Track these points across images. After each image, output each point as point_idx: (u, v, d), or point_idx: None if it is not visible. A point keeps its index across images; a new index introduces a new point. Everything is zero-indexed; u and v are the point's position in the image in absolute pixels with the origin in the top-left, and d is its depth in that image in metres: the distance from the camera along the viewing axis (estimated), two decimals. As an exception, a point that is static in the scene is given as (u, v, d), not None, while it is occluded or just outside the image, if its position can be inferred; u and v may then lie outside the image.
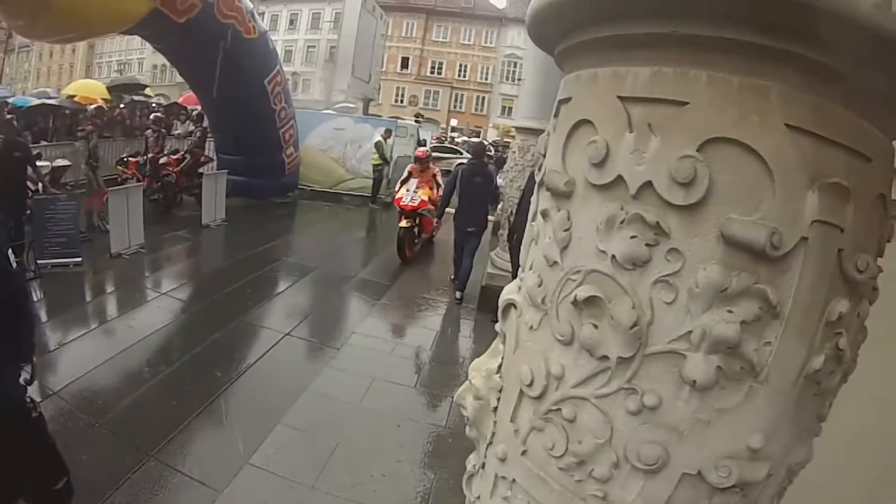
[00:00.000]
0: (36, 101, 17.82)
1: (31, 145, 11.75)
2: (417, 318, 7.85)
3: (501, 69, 53.76)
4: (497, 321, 4.63)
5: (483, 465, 1.56)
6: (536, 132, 7.53)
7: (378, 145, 15.72)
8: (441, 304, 8.38)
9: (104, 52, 63.52)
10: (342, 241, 12.12)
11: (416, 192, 10.41)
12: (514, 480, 1.35)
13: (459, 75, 55.24)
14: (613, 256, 1.06)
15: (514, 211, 7.07)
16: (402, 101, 53.64)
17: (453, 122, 50.26)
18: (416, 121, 23.42)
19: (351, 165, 16.46)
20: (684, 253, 1.00)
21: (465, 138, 31.60)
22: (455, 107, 55.00)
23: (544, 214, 1.26)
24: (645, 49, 1.04)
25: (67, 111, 17.90)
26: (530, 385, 1.26)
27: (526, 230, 1.43)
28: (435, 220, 10.11)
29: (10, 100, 18.11)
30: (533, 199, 1.40)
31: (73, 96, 20.06)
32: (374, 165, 15.89)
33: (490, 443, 1.49)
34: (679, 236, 1.00)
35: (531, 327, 1.28)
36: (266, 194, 14.44)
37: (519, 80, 35.16)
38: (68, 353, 6.45)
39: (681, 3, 0.97)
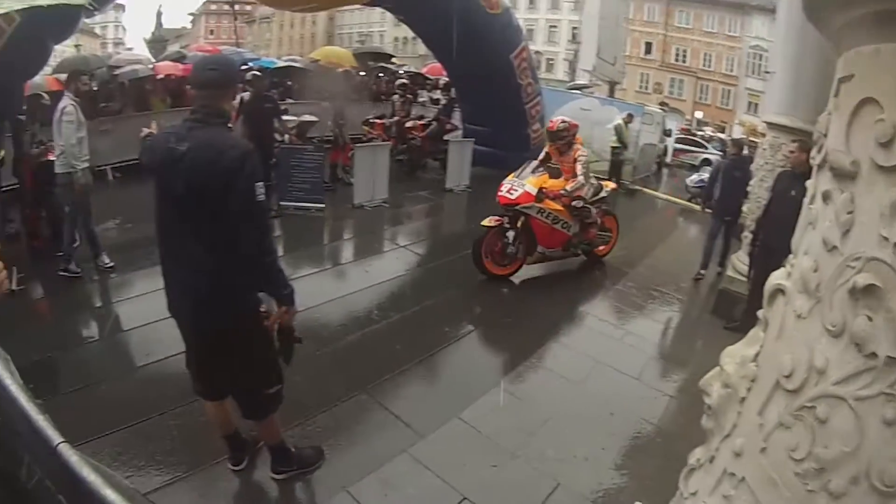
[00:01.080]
0: (282, 63, 19.39)
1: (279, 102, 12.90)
2: (650, 309, 7.53)
3: (746, 61, 49.80)
4: (730, 328, 5.22)
5: (711, 459, 1.52)
6: (788, 130, 6.89)
7: (618, 128, 15.32)
8: (677, 299, 8.00)
9: (345, 24, 68.32)
10: None
11: (524, 180, 7.70)
12: (742, 479, 1.32)
13: (704, 64, 52.13)
14: None
15: (762, 213, 6.55)
16: (646, 88, 51.82)
17: (698, 115, 47.74)
18: (661, 108, 22.57)
19: (597, 147, 15.82)
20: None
21: (712, 133, 29.96)
22: (700, 98, 52.13)
23: (825, 196, 1.21)
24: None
25: (313, 74, 19.39)
26: (789, 377, 1.22)
27: (802, 214, 1.40)
28: (595, 229, 8.27)
29: (256, 62, 19.66)
30: (811, 182, 1.35)
31: (317, 60, 21.70)
32: (613, 148, 15.44)
33: (728, 435, 1.45)
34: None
35: (799, 315, 1.24)
36: (510, 166, 14.17)
37: (766, 73, 32.62)
38: (301, 285, 6.96)
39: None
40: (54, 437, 2.03)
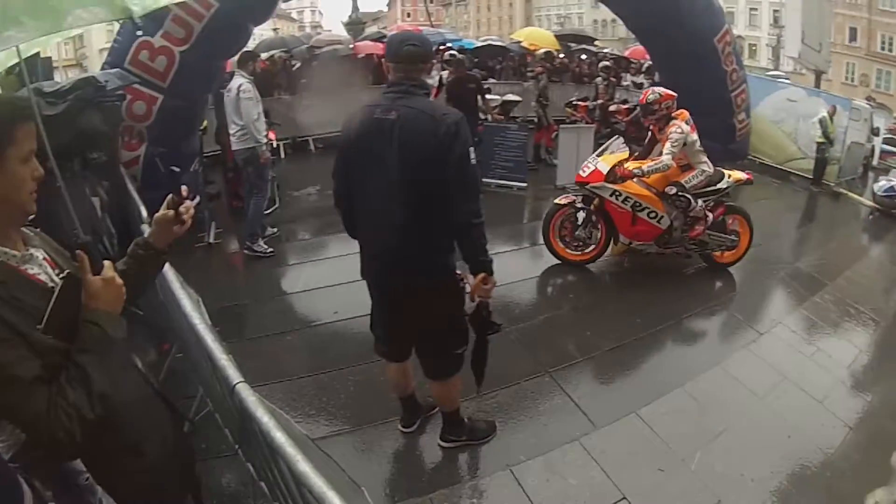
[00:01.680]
0: (480, 43, 19.22)
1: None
2: (845, 328, 6.60)
3: None
4: None
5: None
6: None
7: (823, 122, 13.36)
8: (874, 322, 6.84)
9: (542, 6, 66.94)
10: (784, 224, 10.53)
11: (601, 156, 6.77)
12: None
13: (914, 54, 44.34)
14: None
15: None
16: (852, 80, 45.72)
17: (907, 112, 41.71)
18: (868, 104, 19.95)
19: (803, 143, 14.18)
20: None
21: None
22: (908, 92, 44.90)
23: None
24: None
25: (514, 54, 19.20)
26: None
27: None
28: (702, 226, 6.67)
29: (456, 42, 19.67)
30: None
31: (519, 42, 21.39)
32: (818, 144, 13.46)
33: None
34: None
35: None
36: (714, 158, 12.88)
37: None
38: (498, 261, 6.89)
39: None
40: (234, 376, 2.21)
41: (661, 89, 7.03)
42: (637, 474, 3.80)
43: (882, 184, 12.08)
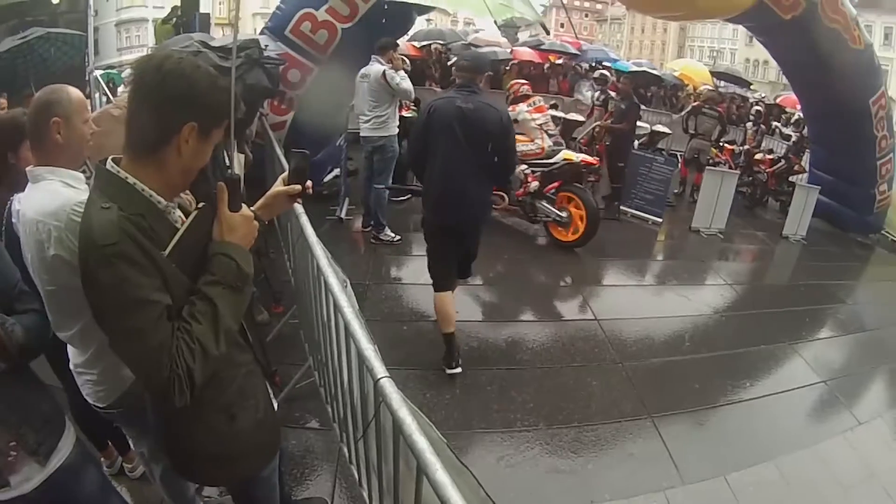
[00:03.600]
0: (637, 68, 18.67)
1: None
2: None
3: None
4: None
5: None
6: None
7: None
8: None
9: (696, 36, 64.78)
10: None
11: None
12: None
13: None
14: None
15: None
16: None
17: None
18: None
19: None
20: None
21: None
22: None
23: None
24: None
25: (666, 84, 18.85)
26: None
27: None
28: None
29: (615, 63, 19.40)
30: None
31: (675, 71, 20.94)
32: None
33: None
34: None
35: None
36: (848, 227, 12.56)
37: None
38: (622, 293, 7.28)
39: None
40: (380, 370, 2.13)
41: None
42: None
43: None
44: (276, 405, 2.36)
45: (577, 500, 3.83)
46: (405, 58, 9.17)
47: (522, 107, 8.02)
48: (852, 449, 5.36)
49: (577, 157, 7.94)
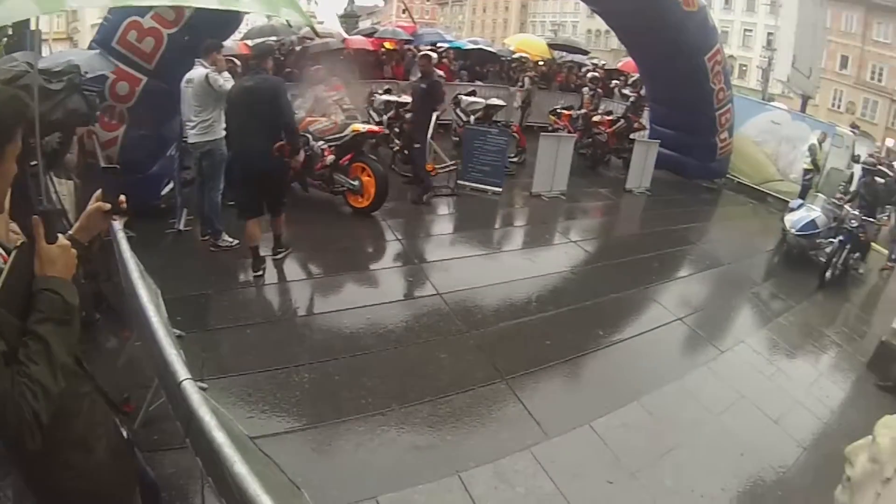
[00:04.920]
0: (473, 46, 19.27)
1: (466, 83, 13.32)
2: (808, 349, 6.81)
3: None
4: (883, 387, 4.60)
5: None
6: None
7: (812, 148, 13.52)
8: (837, 344, 7.07)
9: (538, 12, 67.29)
10: (758, 244, 10.55)
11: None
12: None
13: (903, 86, 45.14)
14: None
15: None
16: (839, 107, 46.49)
17: (889, 143, 42.13)
18: (852, 131, 20.25)
19: (782, 165, 14.57)
20: None
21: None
22: (893, 124, 45.68)
23: None
24: None
25: (504, 59, 19.29)
26: None
27: None
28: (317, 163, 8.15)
29: (452, 43, 19.76)
30: None
31: (511, 46, 21.54)
32: (806, 170, 13.63)
33: None
34: None
35: None
36: (692, 174, 13.64)
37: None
38: (464, 264, 7.14)
39: None
40: (181, 372, 2.21)
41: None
42: (586, 486, 3.83)
43: (797, 217, 9.89)
44: (125, 433, 2.29)
45: (442, 473, 3.74)
46: (234, 58, 8.74)
47: (319, 87, 8.81)
48: (717, 377, 5.61)
49: (363, 127, 8.32)
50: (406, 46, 17.27)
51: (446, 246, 7.87)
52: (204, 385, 4.04)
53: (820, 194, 10.73)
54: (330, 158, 8.10)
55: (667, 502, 3.85)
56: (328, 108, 8.46)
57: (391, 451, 3.89)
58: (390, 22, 36.06)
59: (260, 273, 6.11)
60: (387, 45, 17.12)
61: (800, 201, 10.63)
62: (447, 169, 9.81)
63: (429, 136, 9.09)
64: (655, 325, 6.35)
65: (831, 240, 9.09)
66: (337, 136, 8.14)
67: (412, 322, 5.61)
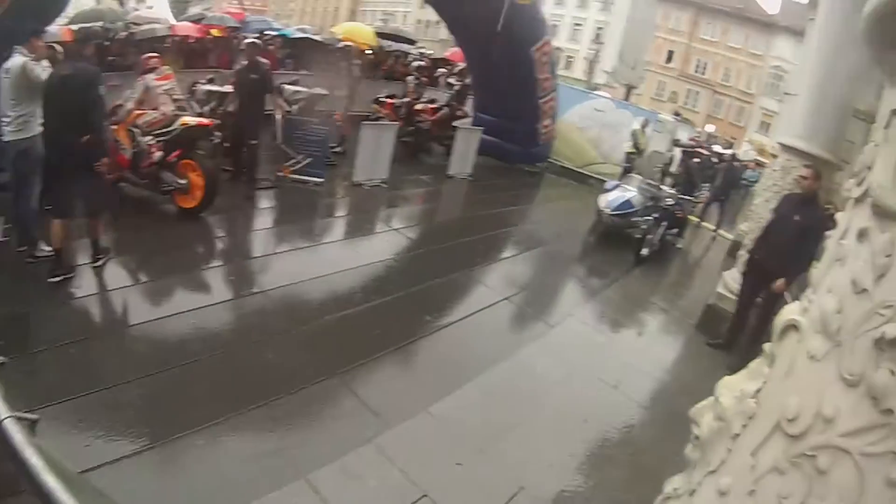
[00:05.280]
0: (300, 35, 19.21)
1: (291, 72, 13.17)
2: (636, 317, 7.49)
3: (765, 81, 49.70)
4: (713, 345, 5.37)
5: (692, 493, 1.47)
6: (803, 154, 6.79)
7: (634, 133, 15.17)
8: (665, 310, 7.88)
9: (369, 1, 68.30)
10: (579, 223, 11.16)
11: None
12: None
13: (723, 79, 52.01)
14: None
15: (760, 234, 6.44)
16: (662, 96, 51.69)
17: (710, 128, 47.22)
18: (674, 118, 22.46)
19: (604, 149, 15.88)
20: None
21: (720, 148, 29.83)
22: (714, 112, 52.01)
23: (861, 234, 1.15)
24: None
25: (331, 48, 19.31)
26: (792, 420, 1.20)
27: (828, 248, 1.36)
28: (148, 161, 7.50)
29: (280, 31, 19.51)
30: (844, 215, 1.32)
31: (337, 36, 21.56)
32: (628, 153, 15.23)
33: (713, 471, 1.39)
34: None
35: (812, 357, 1.19)
36: (515, 160, 14.52)
37: (785, 94, 32.48)
38: (287, 259, 7.05)
39: None
40: (2, 411, 2.11)
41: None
42: (435, 470, 3.91)
43: (613, 197, 10.40)
44: None
45: (289, 478, 3.70)
46: (56, 44, 7.98)
47: (149, 76, 7.91)
48: (551, 351, 5.96)
49: (193, 120, 7.75)
50: (233, 34, 16.91)
51: (268, 241, 7.71)
52: (34, 416, 3.75)
53: (636, 175, 11.55)
54: (158, 155, 7.50)
55: (517, 474, 4.02)
56: (158, 100, 7.83)
57: (233, 462, 3.77)
58: (220, 8, 35.09)
59: (57, 279, 5.60)
60: (214, 32, 16.69)
61: (615, 182, 11.34)
62: (299, 167, 9.59)
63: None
64: (483, 305, 6.62)
65: (647, 217, 9.64)
66: (165, 129, 7.62)
67: (238, 323, 5.47)
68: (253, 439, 3.99)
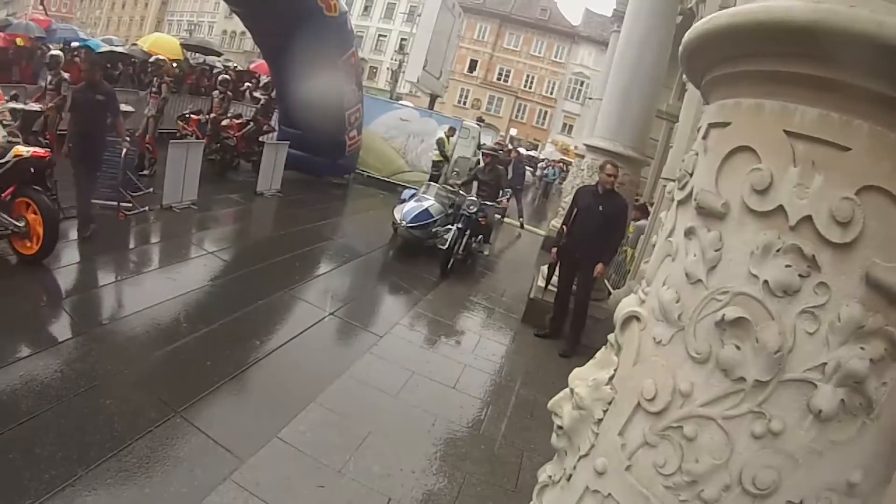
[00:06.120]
0: (106, 48, 18.18)
1: None
2: (462, 319, 7.89)
3: (567, 86, 54.02)
4: (541, 335, 6.38)
5: (569, 477, 1.58)
6: (609, 154, 7.60)
7: (440, 142, 15.87)
8: (489, 309, 8.41)
9: (176, 11, 66.53)
10: (390, 232, 11.09)
11: None
12: (609, 495, 1.39)
13: (525, 86, 55.60)
14: (766, 282, 1.14)
15: (568, 225, 7.05)
16: (465, 103, 53.97)
17: (513, 132, 49.93)
18: (478, 123, 23.56)
19: (411, 158, 16.57)
20: (831, 288, 1.10)
21: (524, 150, 31.65)
22: (517, 116, 55.15)
23: (689, 232, 1.32)
24: (812, 90, 1.13)
25: (136, 60, 18.36)
26: (651, 400, 1.32)
27: (657, 246, 1.50)
28: None
29: (85, 42, 18.59)
30: (668, 214, 1.48)
31: (141, 47, 20.54)
32: (435, 162, 15.92)
33: (585, 454, 1.51)
34: (829, 272, 1.10)
35: (659, 342, 1.34)
36: (323, 172, 14.71)
37: (589, 98, 35.21)
38: (104, 295, 6.69)
39: (842, 55, 1.06)
40: None
41: None
42: (299, 496, 3.95)
43: (408, 208, 10.20)
44: None
45: None
46: None
47: None
48: (384, 360, 6.18)
49: (27, 151, 6.68)
50: (38, 44, 15.58)
51: (75, 276, 7.11)
52: None
53: (432, 183, 11.83)
54: None
55: (383, 486, 4.15)
56: None
57: None
58: (26, 14, 31.74)
59: None
60: (18, 41, 15.29)
61: (412, 191, 11.22)
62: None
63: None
64: (310, 323, 6.72)
65: (449, 227, 9.52)
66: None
67: (65, 370, 5.07)
68: (108, 495, 3.81)
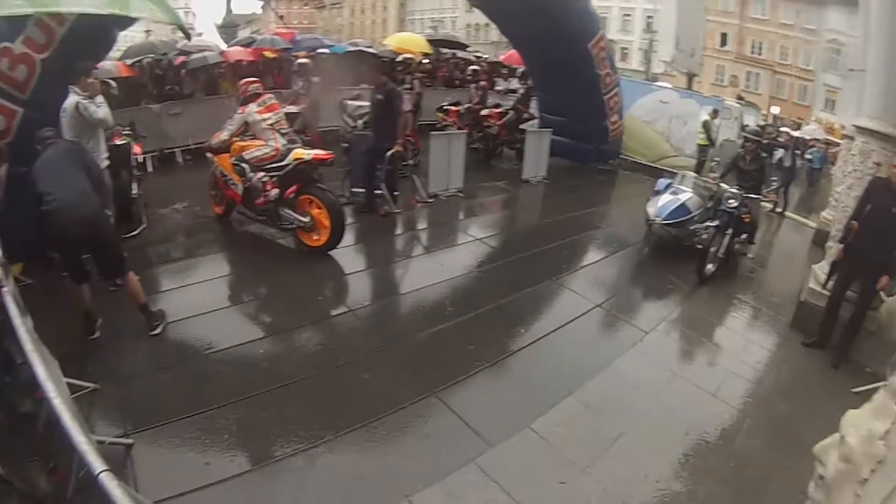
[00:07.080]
0: (352, 48, 19.21)
1: (351, 87, 13.04)
2: (731, 321, 7.16)
3: (824, 56, 47.73)
4: (808, 344, 5.34)
5: None
6: (881, 136, 6.37)
7: (706, 125, 14.75)
8: (756, 310, 7.51)
9: (416, 10, 69.03)
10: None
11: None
12: None
13: (780, 58, 50.34)
14: None
15: (855, 224, 6.07)
16: (722, 81, 50.34)
17: (775, 110, 45.81)
18: (738, 103, 21.79)
19: (675, 141, 15.50)
20: None
21: (788, 130, 28.82)
22: (776, 93, 50.43)
23: None
24: None
25: (385, 60, 19.38)
26: None
27: None
28: (263, 198, 7.18)
29: (333, 48, 19.69)
30: None
31: (390, 48, 21.61)
32: (700, 146, 14.80)
33: None
34: None
35: None
36: (587, 159, 14.28)
37: (850, 70, 31.16)
38: (371, 277, 7.13)
39: None
40: (97, 464, 2.11)
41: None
42: (539, 490, 3.85)
43: (663, 202, 8.87)
44: None
45: (392, 499, 3.69)
46: (110, 81, 8.10)
47: (252, 107, 7.40)
48: (647, 358, 5.79)
49: (308, 154, 7.27)
50: (285, 55, 17.16)
51: (350, 258, 7.54)
52: (129, 441, 3.88)
53: (689, 172, 10.49)
54: (274, 192, 7.18)
55: (623, 492, 3.91)
56: (264, 132, 7.36)
57: (335, 484, 3.79)
58: (268, 30, 35.70)
59: (95, 336, 5.17)
60: (267, 53, 16.93)
61: (666, 181, 9.76)
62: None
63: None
64: (575, 314, 6.46)
65: (708, 224, 8.23)
66: (277, 164, 7.26)
67: (329, 344, 5.45)
68: (352, 461, 4.00)
